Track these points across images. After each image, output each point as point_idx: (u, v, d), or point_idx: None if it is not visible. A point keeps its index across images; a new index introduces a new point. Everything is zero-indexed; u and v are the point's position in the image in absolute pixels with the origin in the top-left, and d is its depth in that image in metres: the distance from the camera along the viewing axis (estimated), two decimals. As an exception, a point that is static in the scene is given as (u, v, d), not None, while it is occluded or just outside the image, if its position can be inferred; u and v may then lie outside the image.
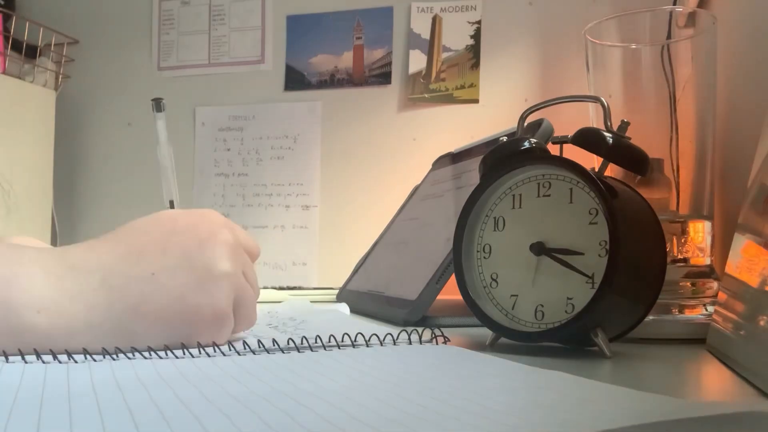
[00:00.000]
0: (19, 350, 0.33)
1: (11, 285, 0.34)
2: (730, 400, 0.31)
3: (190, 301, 0.37)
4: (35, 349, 0.33)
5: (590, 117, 0.60)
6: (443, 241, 0.66)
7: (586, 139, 0.43)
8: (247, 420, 0.21)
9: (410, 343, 0.41)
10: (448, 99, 1.32)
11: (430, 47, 1.35)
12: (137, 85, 1.52)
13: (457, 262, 0.46)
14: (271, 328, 0.50)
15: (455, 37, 1.33)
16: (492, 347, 0.44)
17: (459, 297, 0.46)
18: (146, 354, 0.34)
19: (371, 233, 0.96)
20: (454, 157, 0.87)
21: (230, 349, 0.37)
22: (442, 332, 0.42)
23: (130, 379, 0.28)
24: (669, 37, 0.57)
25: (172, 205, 0.58)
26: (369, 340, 0.40)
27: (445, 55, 1.34)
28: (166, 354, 0.35)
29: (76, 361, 0.32)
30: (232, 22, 1.49)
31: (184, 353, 0.35)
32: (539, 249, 0.43)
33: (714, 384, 0.36)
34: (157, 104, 0.54)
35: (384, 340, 0.40)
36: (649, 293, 0.43)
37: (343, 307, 0.68)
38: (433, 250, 0.67)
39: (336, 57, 1.42)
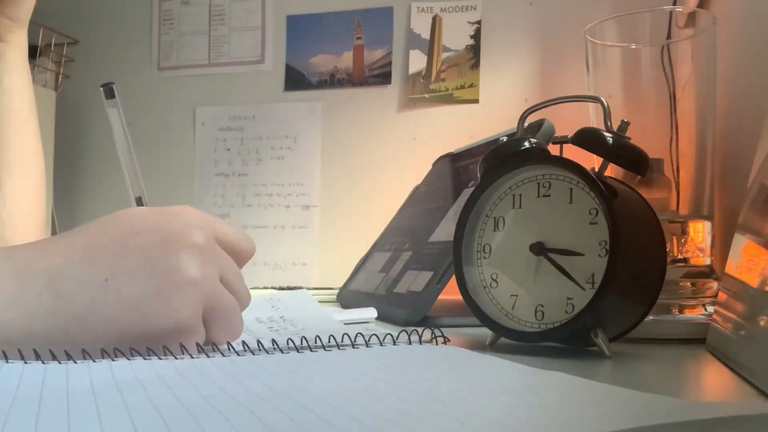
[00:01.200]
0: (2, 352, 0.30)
1: None
2: (731, 400, 0.31)
3: (146, 311, 0.33)
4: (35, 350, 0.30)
5: (590, 117, 0.60)
6: (444, 241, 0.66)
7: (587, 139, 0.43)
8: (245, 421, 0.21)
9: (410, 343, 0.40)
10: (448, 99, 1.32)
11: (430, 47, 1.35)
12: (137, 85, 1.52)
13: (457, 262, 0.46)
14: (273, 331, 0.50)
15: (455, 37, 1.33)
16: (492, 347, 0.44)
17: (459, 297, 0.46)
18: (145, 355, 0.33)
19: (371, 233, 0.96)
20: (455, 157, 0.87)
21: (230, 350, 0.36)
22: (441, 332, 0.41)
23: (129, 380, 0.28)
24: (669, 37, 0.57)
25: (140, 203, 0.52)
26: (369, 340, 0.40)
27: (445, 55, 1.34)
28: (165, 354, 0.33)
29: (75, 362, 0.32)
30: (232, 22, 1.49)
31: (183, 353, 0.34)
32: (539, 249, 0.42)
33: (714, 384, 0.36)
34: (108, 90, 0.47)
35: (384, 340, 0.40)
36: (649, 293, 0.43)
37: (370, 312, 0.65)
38: (434, 250, 0.67)
39: (336, 57, 1.42)
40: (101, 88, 0.47)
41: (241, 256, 0.40)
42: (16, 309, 0.31)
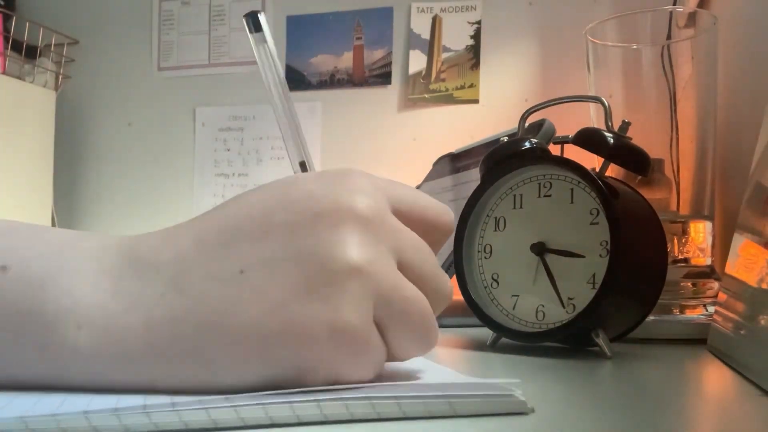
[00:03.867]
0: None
1: (47, 286, 0.24)
2: (732, 400, 0.31)
3: (292, 311, 0.24)
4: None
5: (591, 117, 0.60)
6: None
7: (588, 139, 0.43)
8: None
9: None
10: (448, 99, 1.32)
11: (430, 47, 1.35)
12: (137, 85, 1.52)
13: (457, 263, 0.46)
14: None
15: (455, 38, 1.33)
16: (493, 347, 0.44)
17: (460, 297, 0.46)
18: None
19: (371, 233, 0.96)
20: (455, 158, 0.87)
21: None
22: None
23: None
24: (669, 37, 0.57)
25: (304, 169, 0.40)
26: None
27: (445, 55, 1.34)
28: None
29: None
30: (232, 23, 1.49)
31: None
32: (540, 249, 0.43)
33: (715, 384, 0.36)
34: (253, 20, 0.35)
35: None
36: (650, 293, 0.43)
37: None
38: (434, 250, 0.67)
39: (336, 57, 1.42)
40: (244, 18, 0.38)
41: (435, 233, 0.29)
42: (135, 314, 0.24)
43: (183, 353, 0.24)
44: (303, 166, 0.32)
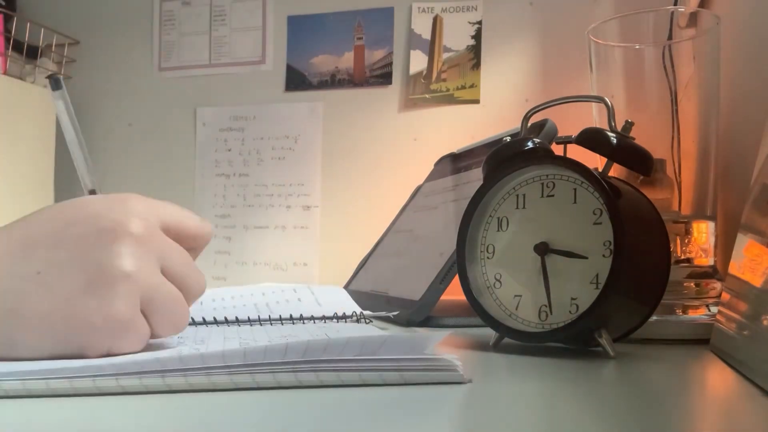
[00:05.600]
0: None
1: None
2: (734, 400, 0.31)
3: (77, 306, 0.32)
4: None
5: (593, 117, 0.60)
6: (447, 241, 0.66)
7: (591, 139, 0.43)
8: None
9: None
10: (449, 99, 1.32)
11: (430, 47, 1.35)
12: (138, 85, 1.52)
13: (460, 262, 0.46)
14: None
15: (456, 38, 1.33)
16: (495, 348, 0.44)
17: (463, 297, 0.46)
18: None
19: (372, 233, 0.96)
20: (456, 158, 0.87)
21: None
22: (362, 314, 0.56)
23: None
24: (670, 37, 0.57)
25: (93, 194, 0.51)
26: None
27: (445, 55, 1.34)
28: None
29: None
30: (233, 23, 1.49)
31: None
32: (543, 249, 0.43)
33: (718, 385, 0.36)
34: (55, 82, 0.46)
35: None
36: (653, 294, 0.43)
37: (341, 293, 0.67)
38: (437, 250, 0.67)
39: (337, 57, 1.41)
40: (47, 80, 0.46)
41: (195, 242, 0.39)
42: None
43: None
44: (93, 193, 0.44)
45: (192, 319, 0.52)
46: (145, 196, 0.37)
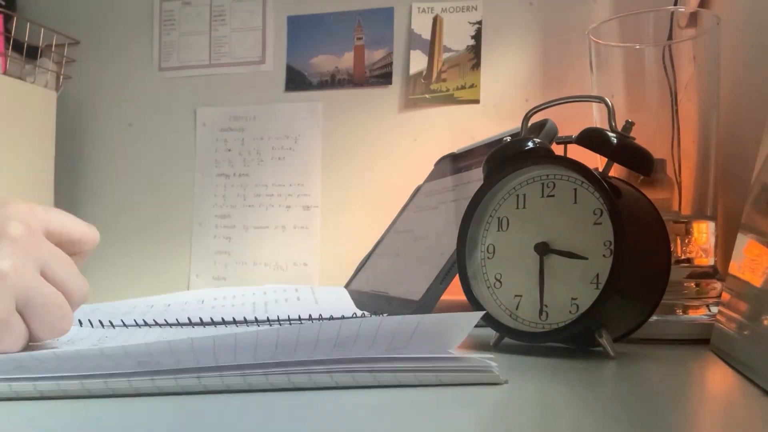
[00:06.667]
0: None
1: None
2: (735, 401, 0.31)
3: None
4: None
5: (593, 117, 0.60)
6: (447, 241, 0.66)
7: (592, 139, 0.43)
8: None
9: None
10: (449, 99, 1.32)
11: (430, 47, 1.35)
12: (138, 85, 1.52)
13: (461, 263, 0.46)
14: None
15: (456, 38, 1.33)
16: (496, 348, 0.44)
17: (463, 297, 0.46)
18: None
19: (372, 233, 0.96)
20: (457, 158, 0.87)
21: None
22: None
23: None
24: (670, 37, 0.57)
25: None
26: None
27: (445, 55, 1.34)
28: None
29: None
30: (233, 23, 1.49)
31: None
32: (544, 249, 0.43)
33: (718, 385, 0.36)
34: None
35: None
36: (654, 294, 0.43)
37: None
38: (437, 250, 0.67)
39: (337, 57, 1.41)
40: None
41: (80, 246, 0.39)
42: None
43: None
44: None
45: (188, 318, 0.52)
46: (28, 201, 0.38)
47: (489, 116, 1.28)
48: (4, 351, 0.33)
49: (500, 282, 0.45)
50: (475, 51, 1.31)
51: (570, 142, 0.45)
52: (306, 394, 0.29)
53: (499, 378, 0.30)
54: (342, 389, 0.29)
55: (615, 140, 0.42)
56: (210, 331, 0.49)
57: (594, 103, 0.58)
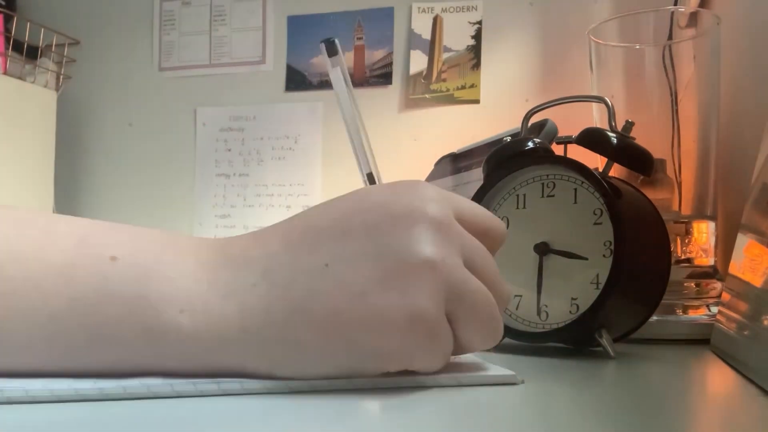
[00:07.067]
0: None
1: (152, 275, 0.27)
2: (735, 401, 0.31)
3: (372, 299, 0.27)
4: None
5: (593, 117, 0.60)
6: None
7: (592, 139, 0.43)
8: None
9: None
10: (449, 99, 1.32)
11: (431, 48, 1.35)
12: (138, 85, 1.52)
13: (460, 263, 0.46)
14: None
15: (456, 38, 1.33)
16: (495, 348, 0.44)
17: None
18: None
19: (373, 234, 0.96)
20: (457, 158, 0.87)
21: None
22: None
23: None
24: (670, 37, 0.57)
25: (371, 180, 0.43)
26: None
27: (446, 55, 1.34)
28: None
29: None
30: (233, 23, 1.49)
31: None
32: (543, 249, 0.42)
33: (718, 385, 0.36)
34: (330, 46, 0.37)
35: None
36: (654, 294, 0.43)
37: None
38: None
39: (337, 57, 1.42)
40: (322, 44, 0.40)
41: (491, 241, 0.32)
42: (231, 302, 0.27)
43: (274, 336, 0.27)
44: (370, 177, 0.36)
45: None
46: (431, 184, 0.31)
47: (489, 116, 1.28)
48: (428, 368, 0.28)
49: (500, 282, 0.45)
50: (475, 51, 1.32)
51: (570, 142, 0.45)
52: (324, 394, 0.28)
53: (516, 378, 0.30)
54: (355, 390, 0.28)
55: (615, 140, 0.42)
56: None
57: (594, 103, 0.58)
